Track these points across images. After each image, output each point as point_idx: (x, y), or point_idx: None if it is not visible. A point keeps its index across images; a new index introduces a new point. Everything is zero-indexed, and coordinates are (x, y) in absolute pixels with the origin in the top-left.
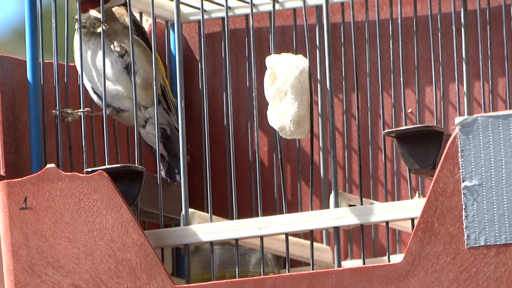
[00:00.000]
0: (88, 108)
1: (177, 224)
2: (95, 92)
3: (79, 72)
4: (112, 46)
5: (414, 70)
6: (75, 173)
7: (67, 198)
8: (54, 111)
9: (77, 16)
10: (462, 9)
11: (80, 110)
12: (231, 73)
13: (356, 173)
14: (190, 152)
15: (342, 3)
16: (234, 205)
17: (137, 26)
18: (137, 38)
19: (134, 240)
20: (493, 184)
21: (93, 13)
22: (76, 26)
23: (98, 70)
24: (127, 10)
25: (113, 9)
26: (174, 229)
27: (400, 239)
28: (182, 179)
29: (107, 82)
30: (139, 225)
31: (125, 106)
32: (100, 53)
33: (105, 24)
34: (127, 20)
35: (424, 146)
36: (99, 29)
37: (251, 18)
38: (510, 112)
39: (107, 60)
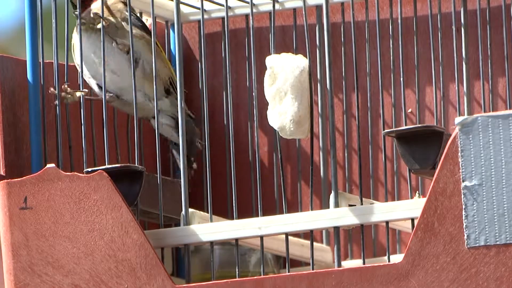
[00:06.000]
0: (86, 90)
1: (177, 224)
2: (100, 87)
3: (79, 68)
4: (114, 44)
5: (414, 70)
6: (75, 173)
7: (67, 198)
8: (52, 89)
9: (77, 12)
10: (462, 9)
11: (79, 90)
12: (231, 73)
13: (356, 173)
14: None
15: (342, 3)
16: (234, 205)
17: (137, 18)
18: (139, 31)
19: (134, 240)
20: (493, 184)
21: (94, 8)
22: (76, 22)
23: (102, 65)
24: (124, 4)
25: (109, 3)
26: (174, 229)
27: (400, 239)
28: (182, 179)
29: (114, 76)
30: (139, 225)
31: (135, 98)
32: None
33: (106, 21)
34: (127, 13)
35: (424, 146)
36: (99, 25)
37: (251, 18)
38: (510, 112)
39: (112, 55)
